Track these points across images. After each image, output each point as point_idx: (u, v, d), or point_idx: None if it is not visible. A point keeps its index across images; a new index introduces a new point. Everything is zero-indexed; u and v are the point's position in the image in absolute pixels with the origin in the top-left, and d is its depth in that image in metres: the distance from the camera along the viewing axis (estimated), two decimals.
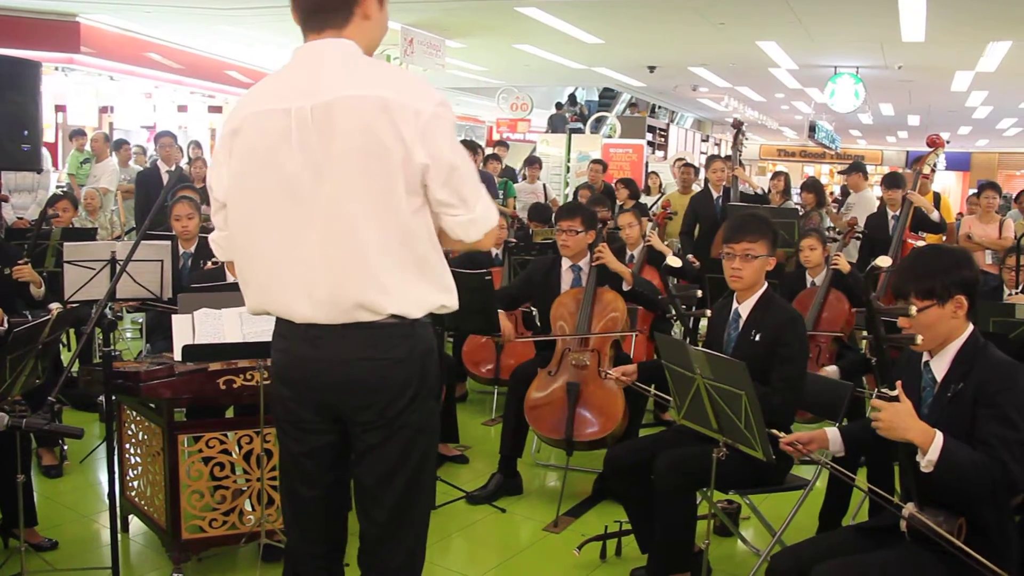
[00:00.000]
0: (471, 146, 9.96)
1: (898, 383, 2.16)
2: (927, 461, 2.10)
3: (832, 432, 2.66)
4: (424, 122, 1.81)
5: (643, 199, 9.14)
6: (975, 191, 8.28)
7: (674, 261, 4.36)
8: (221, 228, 2.06)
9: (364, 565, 2.07)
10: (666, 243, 5.95)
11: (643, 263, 5.39)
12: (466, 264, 5.36)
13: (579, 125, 16.15)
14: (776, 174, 9.32)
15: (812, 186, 8.31)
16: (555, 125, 16.00)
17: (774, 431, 2.67)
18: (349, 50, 1.90)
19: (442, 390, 2.37)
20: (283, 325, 1.99)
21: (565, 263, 4.45)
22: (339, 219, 1.84)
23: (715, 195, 6.95)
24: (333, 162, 1.83)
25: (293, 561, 2.18)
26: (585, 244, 4.35)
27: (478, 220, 1.91)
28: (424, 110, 1.82)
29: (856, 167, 8.30)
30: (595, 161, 9.84)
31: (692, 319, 4.06)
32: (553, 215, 7.23)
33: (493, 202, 1.98)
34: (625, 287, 4.32)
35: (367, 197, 1.83)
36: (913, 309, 2.21)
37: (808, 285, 5.03)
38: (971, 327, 2.30)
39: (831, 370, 4.17)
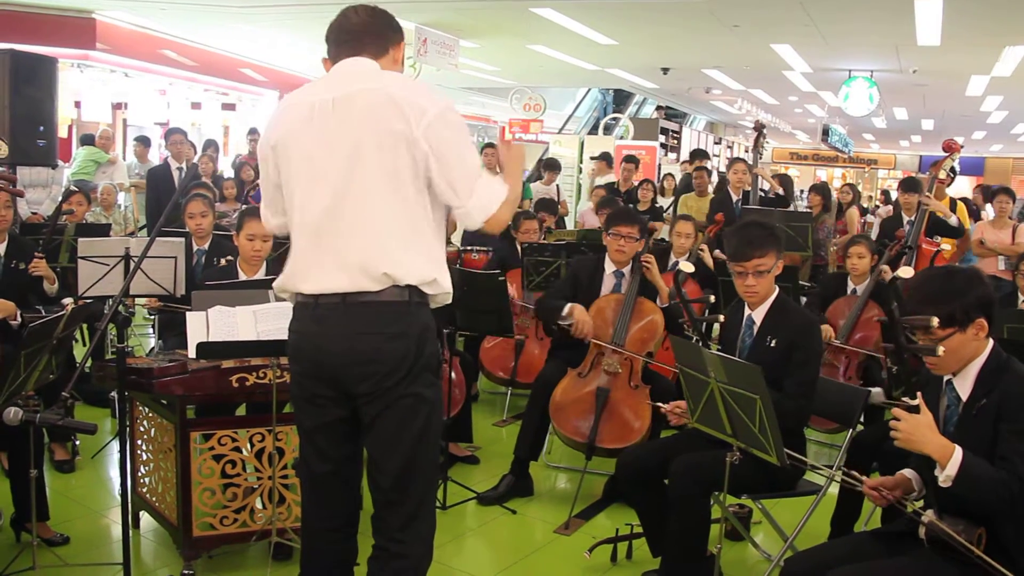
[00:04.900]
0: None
1: (919, 395, 2.14)
2: (945, 476, 2.09)
3: (912, 474, 2.45)
4: (429, 119, 2.07)
5: (659, 201, 9.09)
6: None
7: (687, 267, 4.33)
8: (279, 220, 2.32)
9: (373, 528, 2.23)
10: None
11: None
12: (495, 265, 5.44)
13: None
14: (776, 176, 9.22)
15: (820, 189, 8.23)
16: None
17: (855, 473, 2.56)
18: (374, 65, 2.20)
19: (442, 369, 2.55)
20: (297, 309, 2.22)
21: (608, 267, 4.41)
22: (352, 192, 2.09)
23: (735, 198, 6.83)
24: (346, 141, 2.08)
25: (308, 536, 2.32)
26: (635, 252, 4.34)
27: (471, 211, 2.13)
28: (430, 110, 2.08)
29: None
30: (627, 159, 9.58)
31: (705, 325, 4.05)
32: (552, 214, 7.28)
33: (499, 192, 2.16)
34: (659, 303, 4.31)
35: (378, 172, 2.07)
36: (935, 321, 2.17)
37: (849, 292, 4.97)
38: (991, 343, 2.27)
39: (877, 392, 4.06)
